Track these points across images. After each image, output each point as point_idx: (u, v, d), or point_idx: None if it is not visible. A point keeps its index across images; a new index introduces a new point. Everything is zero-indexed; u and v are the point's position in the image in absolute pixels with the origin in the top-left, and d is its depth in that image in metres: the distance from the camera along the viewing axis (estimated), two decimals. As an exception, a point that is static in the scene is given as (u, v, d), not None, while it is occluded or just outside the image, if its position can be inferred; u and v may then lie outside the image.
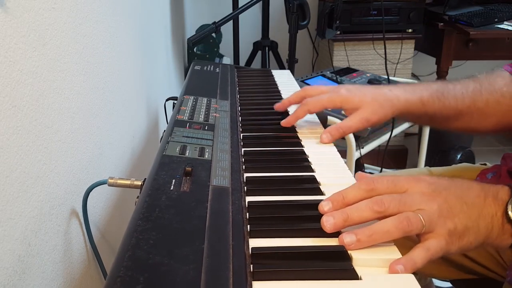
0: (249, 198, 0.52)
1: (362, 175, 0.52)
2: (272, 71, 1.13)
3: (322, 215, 0.49)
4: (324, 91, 0.74)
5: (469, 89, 0.73)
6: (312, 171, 0.60)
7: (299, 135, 0.73)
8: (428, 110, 0.71)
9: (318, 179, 0.58)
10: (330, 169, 0.62)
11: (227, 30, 1.89)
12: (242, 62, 1.98)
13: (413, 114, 0.72)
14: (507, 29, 1.84)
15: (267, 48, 1.87)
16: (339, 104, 0.71)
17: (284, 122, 0.75)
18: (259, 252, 0.42)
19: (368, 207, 0.46)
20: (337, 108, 0.72)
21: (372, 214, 0.46)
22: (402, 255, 0.43)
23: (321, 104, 0.72)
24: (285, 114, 0.79)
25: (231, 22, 1.66)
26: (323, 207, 0.48)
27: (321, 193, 0.54)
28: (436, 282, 1.14)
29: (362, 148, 1.40)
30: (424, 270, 0.81)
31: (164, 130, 0.69)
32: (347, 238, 0.44)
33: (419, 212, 0.45)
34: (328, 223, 0.46)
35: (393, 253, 0.44)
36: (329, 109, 0.73)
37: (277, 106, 0.79)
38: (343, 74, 1.65)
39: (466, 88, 0.73)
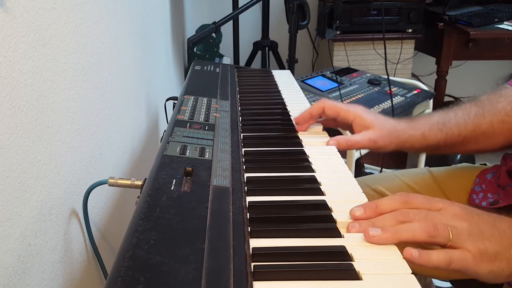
0: (249, 198, 0.52)
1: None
2: (272, 71, 1.12)
3: (323, 215, 0.49)
4: (341, 103, 0.76)
5: (471, 114, 0.74)
6: (313, 171, 0.60)
7: (299, 135, 0.73)
8: (430, 142, 0.73)
9: (319, 179, 0.58)
10: (331, 169, 0.62)
11: (227, 30, 1.89)
12: (242, 62, 1.98)
13: (415, 148, 0.75)
14: (507, 29, 1.84)
15: (267, 48, 1.87)
16: (352, 117, 0.72)
17: (297, 119, 0.75)
18: (260, 252, 0.42)
19: (393, 217, 0.47)
20: (349, 121, 0.73)
21: (396, 223, 0.47)
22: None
23: (336, 109, 0.73)
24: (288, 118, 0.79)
25: (231, 22, 1.66)
26: (355, 212, 0.49)
27: (322, 193, 0.54)
28: (436, 282, 1.14)
29: (362, 148, 1.40)
30: (424, 270, 0.81)
31: (165, 130, 0.69)
32: (372, 231, 0.45)
33: (449, 226, 0.46)
34: (353, 229, 0.47)
35: (394, 254, 0.44)
36: (340, 119, 0.74)
37: (298, 121, 0.76)
38: (343, 74, 1.65)
39: (468, 113, 0.74)
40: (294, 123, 0.76)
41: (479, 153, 0.79)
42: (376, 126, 0.71)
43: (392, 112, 1.32)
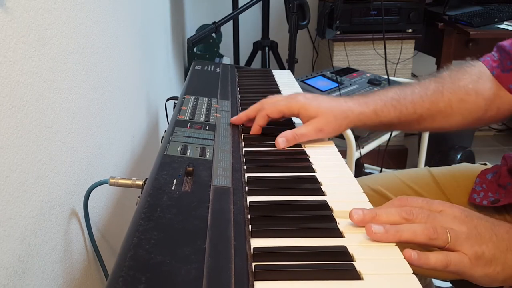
0: (250, 198, 0.52)
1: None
2: (272, 71, 1.12)
3: (323, 215, 0.49)
4: (281, 99, 0.72)
5: (428, 91, 0.71)
6: (313, 171, 0.60)
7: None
8: (383, 120, 0.70)
9: (319, 179, 0.58)
10: (331, 169, 0.61)
11: (227, 30, 1.89)
12: (242, 62, 1.98)
13: (368, 125, 0.71)
14: (507, 29, 1.84)
15: (267, 48, 1.87)
16: (296, 110, 0.70)
17: (232, 120, 0.73)
18: (261, 252, 0.42)
19: (397, 212, 0.47)
20: (294, 114, 0.70)
21: (400, 219, 0.47)
22: None
23: (278, 110, 0.70)
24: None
25: (231, 22, 1.66)
26: (353, 214, 0.48)
27: (322, 193, 0.54)
28: (436, 282, 1.14)
29: (362, 148, 1.40)
30: (423, 270, 0.81)
31: (165, 130, 0.69)
32: (375, 227, 0.45)
33: (447, 229, 0.46)
34: (357, 214, 0.47)
35: (395, 254, 0.44)
36: (286, 116, 0.72)
37: (233, 120, 0.74)
38: (343, 74, 1.65)
39: (425, 90, 0.71)
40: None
41: (435, 131, 0.76)
42: (320, 114, 0.68)
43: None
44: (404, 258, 0.43)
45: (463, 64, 0.75)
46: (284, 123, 0.76)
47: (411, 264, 0.43)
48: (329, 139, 0.72)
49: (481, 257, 0.46)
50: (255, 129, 0.72)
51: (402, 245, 0.46)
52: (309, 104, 0.69)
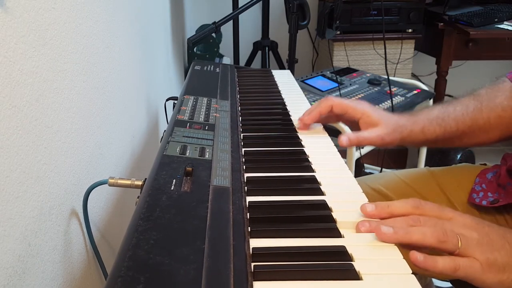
0: (249, 198, 0.52)
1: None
2: (272, 71, 1.12)
3: (323, 215, 0.49)
4: (347, 100, 0.76)
5: (469, 109, 0.75)
6: (313, 171, 0.60)
7: (299, 135, 0.73)
8: (429, 137, 0.74)
9: (319, 179, 0.58)
10: (331, 169, 0.62)
11: (227, 30, 1.89)
12: (242, 62, 1.98)
13: (415, 143, 0.76)
14: (507, 29, 1.84)
15: (267, 48, 1.87)
16: (360, 114, 0.73)
17: (307, 119, 0.74)
18: (260, 252, 0.42)
19: (404, 221, 0.48)
20: (357, 118, 0.73)
21: (406, 226, 0.47)
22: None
23: (344, 108, 0.74)
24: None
25: (231, 22, 1.66)
26: (366, 208, 0.49)
27: (322, 193, 0.54)
28: (436, 282, 1.14)
29: (362, 148, 1.40)
30: (428, 272, 0.81)
31: (165, 130, 0.69)
32: (384, 228, 0.45)
33: (458, 235, 0.46)
34: (363, 227, 0.47)
35: (394, 254, 0.44)
36: (347, 116, 0.74)
37: (306, 120, 0.74)
38: (343, 74, 1.65)
39: (466, 108, 0.75)
40: (297, 122, 0.76)
41: (476, 146, 0.80)
42: (382, 123, 0.72)
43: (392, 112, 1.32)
44: (411, 260, 0.43)
45: (496, 82, 0.79)
46: (285, 124, 0.76)
47: (417, 266, 0.43)
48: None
49: (493, 264, 0.46)
50: (314, 115, 0.74)
51: (408, 249, 0.46)
52: (372, 112, 0.73)
